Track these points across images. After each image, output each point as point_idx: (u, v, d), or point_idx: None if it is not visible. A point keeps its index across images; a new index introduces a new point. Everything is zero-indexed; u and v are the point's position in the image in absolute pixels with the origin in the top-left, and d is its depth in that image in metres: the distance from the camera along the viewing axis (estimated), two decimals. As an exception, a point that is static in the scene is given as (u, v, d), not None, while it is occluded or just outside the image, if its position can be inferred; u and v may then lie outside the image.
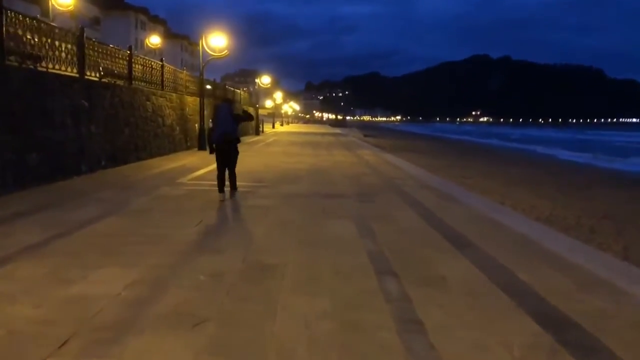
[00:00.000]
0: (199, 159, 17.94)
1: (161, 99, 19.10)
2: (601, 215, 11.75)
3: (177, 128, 20.89)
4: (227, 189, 9.81)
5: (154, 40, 36.64)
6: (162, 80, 19.92)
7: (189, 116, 22.62)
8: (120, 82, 15.82)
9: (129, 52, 16.66)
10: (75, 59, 12.86)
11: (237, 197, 9.82)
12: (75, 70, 12.86)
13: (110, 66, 15.34)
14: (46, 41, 11.63)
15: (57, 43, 12.04)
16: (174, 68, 22.14)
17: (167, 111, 19.71)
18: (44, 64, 11.57)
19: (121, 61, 15.98)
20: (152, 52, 46.23)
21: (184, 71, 23.42)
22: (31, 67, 11.14)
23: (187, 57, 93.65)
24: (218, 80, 70.63)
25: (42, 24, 11.81)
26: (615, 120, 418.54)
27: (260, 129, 46.61)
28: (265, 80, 46.43)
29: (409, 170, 16.75)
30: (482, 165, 26.82)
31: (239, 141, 9.88)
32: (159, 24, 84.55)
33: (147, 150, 17.06)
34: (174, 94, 21.01)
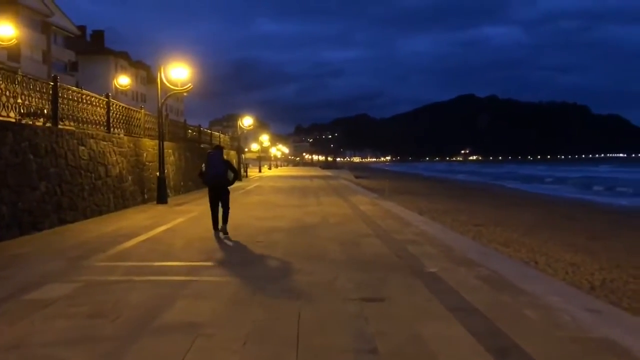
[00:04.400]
0: (149, 218, 14.04)
1: (104, 142, 15.30)
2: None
3: (129, 178, 17.01)
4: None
5: (123, 81, 33.14)
6: (108, 120, 16.18)
7: (147, 163, 18.78)
8: (38, 122, 12.07)
9: (52, 83, 12.92)
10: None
11: (227, 231, 10.83)
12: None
13: (25, 101, 11.63)
14: None
15: None
16: (126, 106, 18.41)
17: (114, 158, 15.88)
18: None
19: (39, 95, 12.21)
20: (131, 95, 42.90)
21: (142, 110, 19.73)
22: None
23: (171, 102, 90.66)
24: (206, 125, 67.76)
25: None
26: (603, 155, 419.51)
27: (244, 174, 42.97)
28: (246, 122, 42.90)
29: (418, 225, 12.94)
30: (487, 207, 24.30)
31: (230, 183, 11.20)
32: (141, 69, 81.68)
33: (77, 210, 13.10)
34: (125, 137, 17.24)
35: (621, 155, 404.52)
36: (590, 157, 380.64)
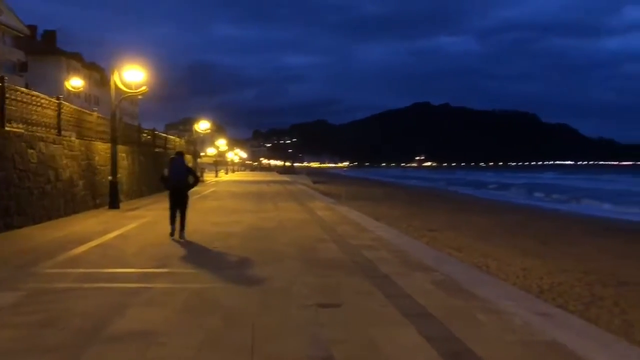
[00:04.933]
0: (100, 223, 13.67)
1: (55, 145, 14.83)
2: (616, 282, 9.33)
3: (81, 182, 16.53)
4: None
5: (75, 82, 32.22)
6: (59, 123, 15.68)
7: (98, 167, 18.29)
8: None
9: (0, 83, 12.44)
10: None
11: (184, 237, 10.92)
12: None
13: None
14: None
15: None
16: (78, 108, 17.91)
17: (65, 161, 15.40)
18: None
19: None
20: (84, 97, 41.72)
21: (95, 113, 19.22)
22: None
23: (126, 105, 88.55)
24: (162, 129, 66.51)
25: None
26: (552, 162, 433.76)
27: (200, 178, 42.40)
28: (202, 125, 42.38)
29: (374, 230, 13.08)
30: (441, 213, 24.63)
31: (190, 188, 11.47)
32: (95, 71, 79.50)
33: (26, 215, 12.64)
34: (76, 140, 16.75)
35: (569, 162, 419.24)
36: (540, 164, 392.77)
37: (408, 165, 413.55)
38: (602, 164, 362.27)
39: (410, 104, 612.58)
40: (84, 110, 18.56)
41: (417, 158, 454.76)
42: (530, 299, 6.91)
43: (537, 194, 46.04)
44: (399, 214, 21.88)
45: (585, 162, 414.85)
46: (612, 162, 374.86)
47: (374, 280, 7.19)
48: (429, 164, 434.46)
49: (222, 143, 74.08)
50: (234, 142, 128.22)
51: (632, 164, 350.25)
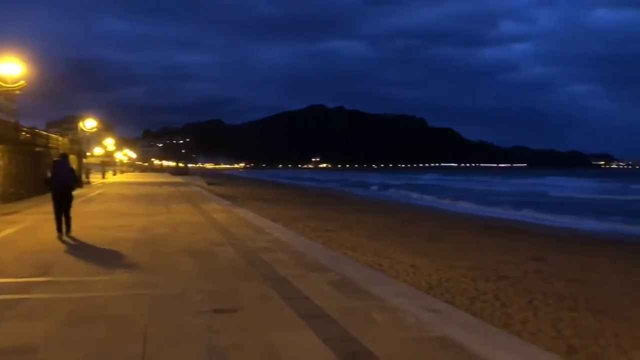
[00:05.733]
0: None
1: None
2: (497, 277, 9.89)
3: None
4: None
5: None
6: None
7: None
8: None
9: None
10: None
11: (71, 236, 11.10)
12: None
13: None
14: None
15: None
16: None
17: None
18: None
19: None
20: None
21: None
22: None
23: (1, 101, 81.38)
24: (43, 127, 61.73)
25: None
26: (437, 164, 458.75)
27: (86, 180, 39.93)
28: (89, 124, 40.03)
29: (271, 232, 13.03)
30: (336, 213, 25.22)
31: (74, 189, 11.74)
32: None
33: None
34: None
35: (453, 164, 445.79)
36: (427, 166, 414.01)
37: (305, 166, 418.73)
38: (482, 166, 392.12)
39: (306, 105, 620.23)
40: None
41: (314, 160, 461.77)
42: (420, 296, 7.20)
43: (414, 194, 49.70)
44: (295, 215, 22.00)
45: (467, 164, 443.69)
46: (491, 164, 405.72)
47: (271, 283, 7.13)
48: (324, 165, 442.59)
49: (110, 142, 70.47)
50: (123, 142, 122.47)
51: (509, 166, 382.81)
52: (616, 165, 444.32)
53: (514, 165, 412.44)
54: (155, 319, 5.44)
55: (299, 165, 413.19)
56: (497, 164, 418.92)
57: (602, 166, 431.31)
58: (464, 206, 36.22)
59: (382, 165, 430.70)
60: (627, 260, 14.00)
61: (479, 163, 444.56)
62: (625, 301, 8.47)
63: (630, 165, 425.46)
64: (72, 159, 37.74)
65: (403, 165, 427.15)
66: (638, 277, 11.21)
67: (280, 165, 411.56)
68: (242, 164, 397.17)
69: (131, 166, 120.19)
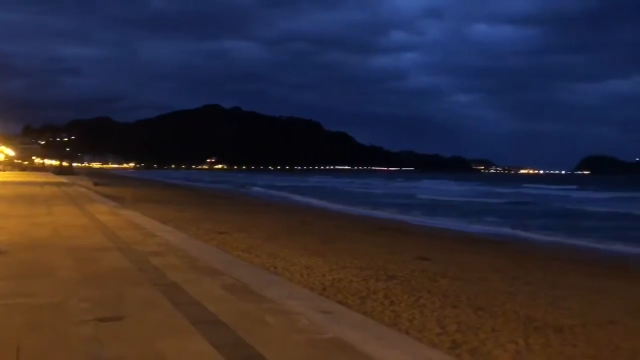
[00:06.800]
0: None
1: None
2: (386, 276, 10.01)
3: None
4: None
5: None
6: None
7: None
8: None
9: None
10: None
11: None
12: None
13: None
14: None
15: None
16: None
17: None
18: None
19: None
20: None
21: None
22: None
23: None
24: None
25: None
26: (332, 167, 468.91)
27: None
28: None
29: (162, 235, 12.59)
30: (230, 214, 25.07)
31: None
32: None
33: None
34: None
35: (347, 167, 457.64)
36: (323, 169, 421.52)
37: (199, 167, 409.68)
38: (373, 169, 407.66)
39: (201, 105, 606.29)
40: None
41: (209, 160, 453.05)
42: (314, 297, 7.28)
43: (297, 196, 52.03)
44: (187, 216, 21.45)
45: (360, 168, 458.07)
46: (382, 168, 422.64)
47: (161, 289, 6.87)
48: (220, 166, 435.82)
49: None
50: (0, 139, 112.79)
51: (398, 170, 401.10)
52: (494, 170, 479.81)
53: (403, 168, 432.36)
54: (31, 331, 5.02)
55: (194, 166, 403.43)
56: (387, 167, 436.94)
57: (482, 171, 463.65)
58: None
59: (279, 168, 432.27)
60: (505, 258, 15.16)
61: (371, 166, 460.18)
62: (502, 297, 9.13)
63: (506, 170, 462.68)
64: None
65: (299, 168, 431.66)
66: (511, 274, 12.13)
67: (173, 166, 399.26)
68: (132, 164, 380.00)
69: (9, 165, 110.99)
